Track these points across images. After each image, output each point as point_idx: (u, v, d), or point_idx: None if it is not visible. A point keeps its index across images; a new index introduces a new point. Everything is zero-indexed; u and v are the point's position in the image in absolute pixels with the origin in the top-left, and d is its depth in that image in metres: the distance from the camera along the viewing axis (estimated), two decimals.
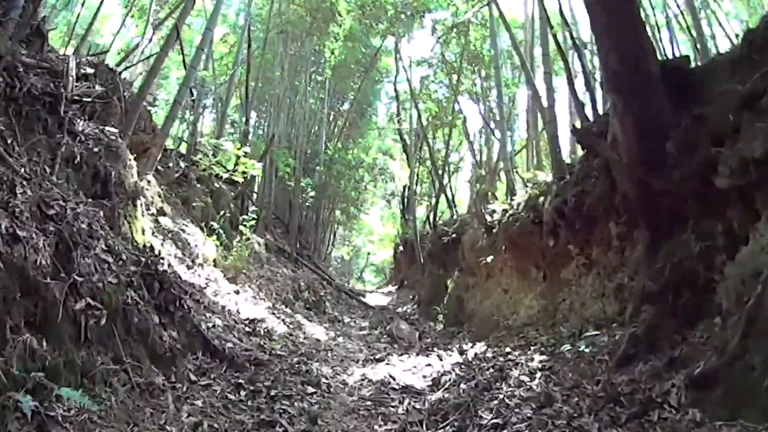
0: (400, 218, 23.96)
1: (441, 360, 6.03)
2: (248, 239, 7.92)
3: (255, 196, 17.02)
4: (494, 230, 7.91)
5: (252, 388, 4.25)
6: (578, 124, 6.73)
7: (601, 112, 6.27)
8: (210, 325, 5.17)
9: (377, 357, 6.45)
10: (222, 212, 8.51)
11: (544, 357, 5.51)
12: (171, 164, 10.72)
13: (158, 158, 9.66)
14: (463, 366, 5.57)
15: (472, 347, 6.96)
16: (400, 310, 14.30)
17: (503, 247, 7.49)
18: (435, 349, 7.11)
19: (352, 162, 22.44)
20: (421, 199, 22.09)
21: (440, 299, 11.49)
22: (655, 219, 4.99)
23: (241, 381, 4.30)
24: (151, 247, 5.44)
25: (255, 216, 7.82)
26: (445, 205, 17.37)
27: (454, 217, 14.00)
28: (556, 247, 6.63)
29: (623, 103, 4.84)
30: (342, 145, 23.06)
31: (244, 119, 15.20)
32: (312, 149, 21.46)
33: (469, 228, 9.29)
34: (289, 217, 17.51)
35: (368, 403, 4.65)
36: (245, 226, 7.91)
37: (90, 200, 5.48)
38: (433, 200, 18.92)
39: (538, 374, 5.21)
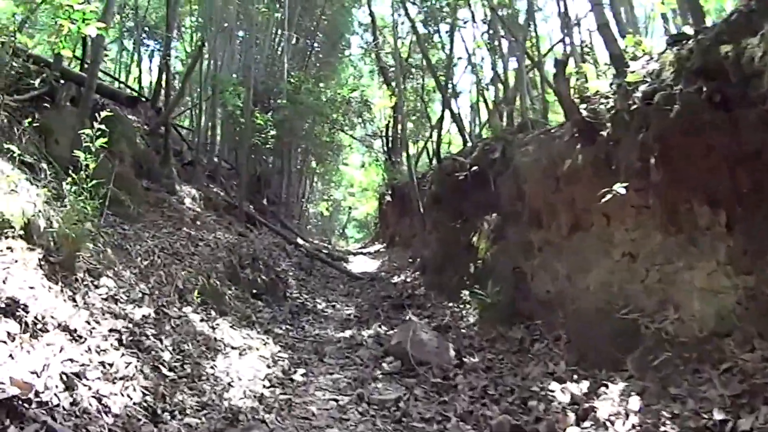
0: (384, 162, 19.95)
1: None
2: (92, 180, 3.72)
3: (196, 137, 12.73)
4: (603, 133, 3.78)
5: None
6: None
7: None
8: None
9: None
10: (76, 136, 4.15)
11: None
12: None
13: None
14: None
15: (589, 390, 3.03)
16: (396, 279, 10.42)
17: (648, 159, 3.34)
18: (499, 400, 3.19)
19: (323, 98, 17.95)
20: (411, 135, 17.97)
21: (460, 265, 7.67)
22: None
23: None
24: None
25: (106, 128, 3.56)
26: (443, 140, 13.29)
27: (468, 145, 9.89)
28: None
29: None
30: (313, 76, 18.57)
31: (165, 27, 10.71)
32: (275, 84, 16.93)
33: (527, 144, 5.14)
34: (237, 162, 13.49)
35: None
36: (86, 152, 3.62)
37: None
38: (428, 136, 14.90)
39: None
